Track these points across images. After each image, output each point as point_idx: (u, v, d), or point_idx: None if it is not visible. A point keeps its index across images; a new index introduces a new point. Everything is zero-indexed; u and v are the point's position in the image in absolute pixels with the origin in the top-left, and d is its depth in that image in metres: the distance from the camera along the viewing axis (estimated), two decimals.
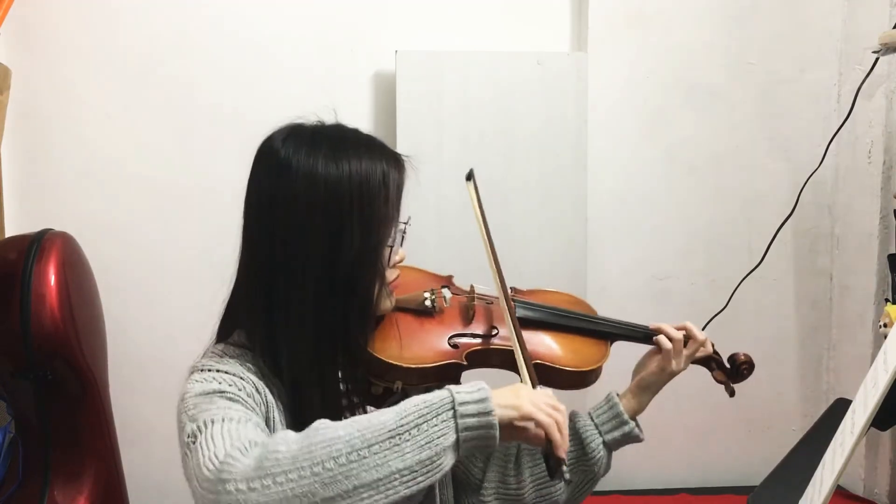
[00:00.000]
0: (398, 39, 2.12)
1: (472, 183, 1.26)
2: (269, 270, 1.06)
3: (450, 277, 1.32)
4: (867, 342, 2.15)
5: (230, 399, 0.98)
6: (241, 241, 1.11)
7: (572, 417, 1.30)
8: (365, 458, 0.86)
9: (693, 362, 1.33)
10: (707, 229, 2.26)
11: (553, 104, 2.12)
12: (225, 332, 1.14)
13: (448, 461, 0.91)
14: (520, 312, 1.26)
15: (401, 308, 1.19)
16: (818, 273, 2.31)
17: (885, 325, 1.72)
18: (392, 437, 0.88)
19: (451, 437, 0.90)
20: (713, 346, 1.35)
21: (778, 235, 2.19)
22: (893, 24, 2.02)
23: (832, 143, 2.17)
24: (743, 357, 1.36)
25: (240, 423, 0.93)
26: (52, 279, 1.76)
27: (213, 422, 0.93)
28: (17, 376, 1.74)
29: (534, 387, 1.05)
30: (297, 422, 1.06)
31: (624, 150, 2.22)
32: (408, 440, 0.88)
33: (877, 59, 2.00)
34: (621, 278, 2.24)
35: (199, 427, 0.93)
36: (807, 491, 1.07)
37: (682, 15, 2.19)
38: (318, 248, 1.05)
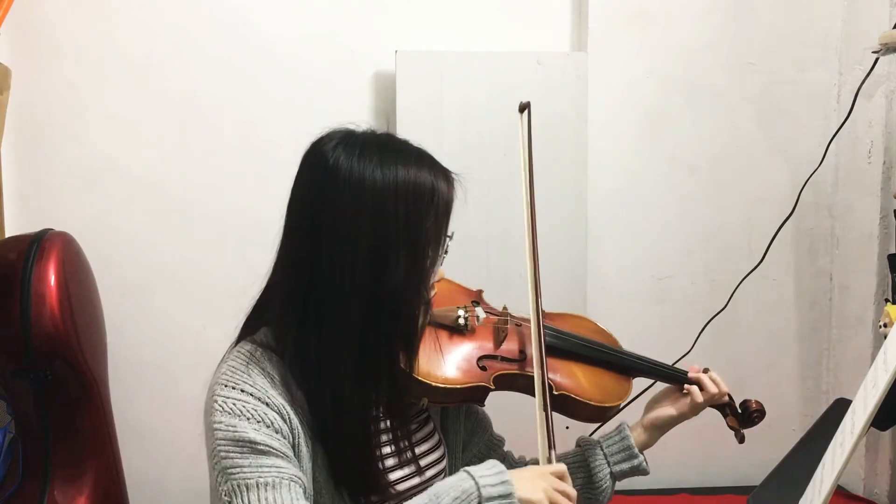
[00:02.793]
0: (398, 39, 2.12)
1: (526, 115, 1.26)
2: (308, 278, 1.04)
3: (480, 292, 1.31)
4: (867, 342, 2.15)
5: (261, 452, 0.99)
6: (280, 242, 1.09)
7: (581, 444, 1.31)
8: None
9: (709, 405, 1.33)
10: (707, 229, 2.26)
11: (553, 104, 2.12)
12: (251, 329, 1.12)
13: None
14: (548, 340, 1.24)
15: (433, 322, 1.18)
16: (818, 273, 2.31)
17: (885, 325, 1.71)
18: None
19: None
20: (729, 394, 1.36)
21: (778, 235, 2.19)
22: (893, 24, 2.02)
23: (832, 143, 2.17)
24: (755, 406, 1.36)
25: (274, 487, 0.97)
26: (52, 279, 1.76)
27: (247, 487, 0.98)
28: (17, 376, 1.74)
29: (549, 440, 1.07)
30: (322, 438, 1.06)
31: (624, 150, 2.22)
32: None
33: (877, 59, 2.00)
34: (621, 278, 2.24)
35: (233, 488, 0.98)
36: (807, 491, 1.07)
37: (682, 15, 2.19)
38: (362, 264, 1.02)
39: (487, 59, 2.10)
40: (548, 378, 1.14)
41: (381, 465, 1.10)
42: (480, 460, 1.29)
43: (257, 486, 0.97)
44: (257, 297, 1.13)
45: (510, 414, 1.31)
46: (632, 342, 2.16)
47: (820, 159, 2.17)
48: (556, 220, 2.13)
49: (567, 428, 1.47)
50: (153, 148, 2.10)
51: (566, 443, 1.31)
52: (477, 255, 2.06)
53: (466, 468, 1.02)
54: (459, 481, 0.99)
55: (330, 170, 1.03)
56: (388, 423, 1.15)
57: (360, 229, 1.02)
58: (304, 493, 1.00)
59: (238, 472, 0.98)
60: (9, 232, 1.99)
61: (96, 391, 1.86)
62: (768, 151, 2.26)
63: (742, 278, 2.19)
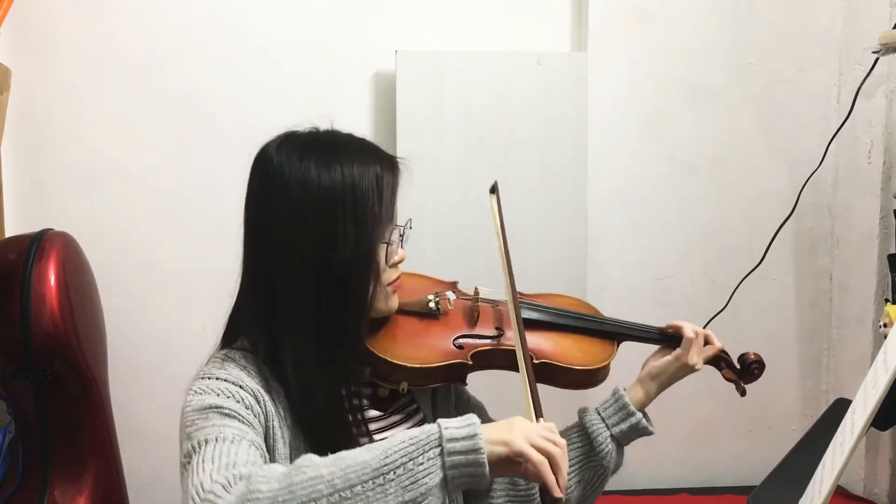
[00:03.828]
0: (398, 39, 2.12)
1: (495, 196, 1.26)
2: (268, 278, 1.07)
3: (454, 283, 1.32)
4: (867, 342, 2.15)
5: (225, 415, 0.98)
6: (242, 249, 1.12)
7: (580, 413, 1.30)
8: (347, 499, 0.85)
9: (705, 362, 1.33)
10: (707, 229, 2.26)
11: (553, 104, 2.12)
12: (229, 340, 1.14)
13: (435, 500, 0.88)
14: (526, 313, 1.26)
15: (405, 311, 1.20)
16: (818, 273, 2.31)
17: (885, 325, 1.72)
18: (376, 478, 0.86)
19: (438, 476, 0.88)
20: (724, 350, 1.36)
21: (778, 235, 2.19)
22: (893, 24, 2.02)
23: (832, 143, 2.17)
24: (753, 356, 1.36)
25: (233, 442, 0.94)
26: (52, 279, 1.76)
27: (206, 441, 0.94)
28: (17, 376, 1.74)
29: (535, 404, 1.03)
30: (303, 427, 1.06)
31: (624, 150, 2.22)
32: (392, 480, 0.86)
33: (877, 59, 2.00)
34: (621, 278, 2.24)
35: (192, 447, 0.95)
36: (807, 491, 1.07)
37: (682, 15, 2.19)
38: (312, 253, 1.05)
39: (487, 59, 2.10)
40: (528, 348, 1.13)
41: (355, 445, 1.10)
42: None
43: (216, 439, 0.94)
44: (229, 313, 1.15)
45: (503, 401, 1.30)
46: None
47: (820, 159, 2.17)
48: (556, 220, 2.14)
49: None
50: (153, 148, 2.10)
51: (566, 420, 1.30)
52: (477, 254, 2.06)
53: None
54: (424, 426, 0.94)
55: (274, 172, 1.07)
56: (374, 413, 1.15)
57: (308, 225, 1.05)
58: (263, 461, 0.97)
59: (199, 432, 0.96)
60: (9, 232, 1.99)
61: (96, 391, 1.86)
62: (768, 151, 2.26)
63: (742, 278, 2.19)
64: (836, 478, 0.96)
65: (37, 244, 1.79)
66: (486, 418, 1.33)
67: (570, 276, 2.15)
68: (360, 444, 1.06)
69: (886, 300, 2.01)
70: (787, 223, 2.20)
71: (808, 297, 2.31)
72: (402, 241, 1.14)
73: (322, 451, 0.98)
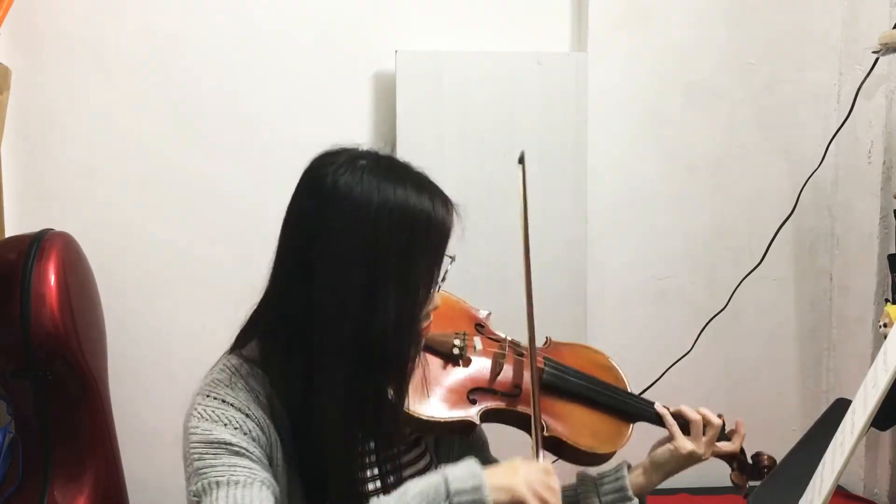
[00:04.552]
0: (398, 39, 2.12)
1: (521, 167, 1.22)
2: (299, 302, 1.02)
3: (487, 315, 1.27)
4: (867, 342, 2.15)
5: (235, 453, 0.98)
6: (274, 257, 1.07)
7: (578, 478, 1.29)
8: None
9: (717, 456, 1.30)
10: (707, 229, 2.26)
11: (553, 104, 2.12)
12: (243, 340, 1.11)
13: None
14: (547, 378, 1.21)
15: (427, 348, 1.14)
16: (818, 273, 2.31)
17: (885, 325, 1.71)
18: None
19: None
20: (743, 448, 1.33)
21: (778, 235, 2.19)
22: (893, 24, 2.02)
23: (832, 143, 2.17)
24: (767, 460, 1.33)
25: (245, 487, 0.95)
26: (52, 279, 1.76)
27: (217, 485, 0.95)
28: (17, 376, 1.74)
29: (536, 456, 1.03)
30: (303, 458, 1.04)
31: (624, 150, 2.22)
32: None
33: (877, 59, 2.00)
34: (621, 278, 2.24)
35: (203, 488, 0.96)
36: (807, 491, 1.07)
37: (682, 15, 2.19)
38: (355, 290, 1.00)
39: (487, 59, 2.10)
40: (541, 419, 1.10)
41: (364, 489, 1.08)
42: None
43: (227, 483, 0.95)
44: (254, 308, 1.11)
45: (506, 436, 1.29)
46: (632, 342, 2.17)
47: (820, 159, 2.17)
48: (556, 220, 2.13)
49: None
50: (153, 148, 2.10)
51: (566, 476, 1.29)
52: (476, 254, 2.06)
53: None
54: (429, 476, 0.96)
55: (328, 191, 1.01)
56: (373, 444, 1.12)
57: (354, 254, 0.99)
58: (275, 500, 0.97)
59: (210, 471, 0.97)
60: (9, 232, 1.99)
61: (96, 391, 1.86)
62: (768, 151, 2.26)
63: (742, 278, 2.19)
64: (836, 478, 0.96)
65: (37, 244, 1.79)
66: (487, 454, 1.31)
67: (570, 276, 2.15)
68: (357, 480, 1.06)
69: (886, 300, 2.01)
70: (787, 223, 2.20)
71: (808, 297, 2.31)
72: (440, 285, 1.09)
73: (318, 483, 1.00)
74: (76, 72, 2.07)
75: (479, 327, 1.25)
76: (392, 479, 1.10)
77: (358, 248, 0.99)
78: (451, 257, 1.08)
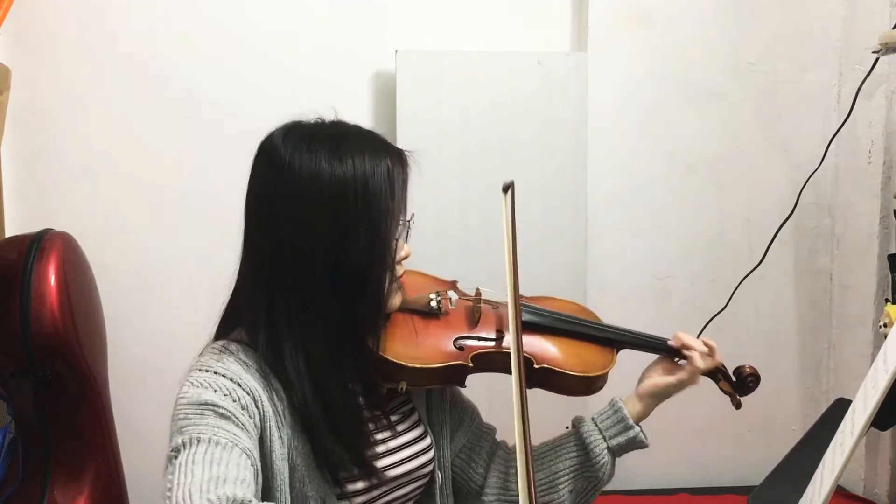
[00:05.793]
0: (398, 39, 2.12)
1: (508, 195, 1.24)
2: (272, 271, 1.06)
3: (454, 282, 1.31)
4: (867, 342, 2.15)
5: (221, 415, 0.97)
6: (242, 240, 1.10)
7: (575, 423, 1.30)
8: None
9: (703, 374, 1.32)
10: (707, 229, 2.26)
11: (553, 104, 2.12)
12: (224, 332, 1.13)
13: None
14: (526, 317, 1.25)
15: (406, 309, 1.19)
16: (818, 273, 2.31)
17: (885, 325, 1.72)
18: None
19: None
20: (722, 363, 1.35)
21: (778, 235, 2.19)
22: (893, 24, 2.02)
23: (832, 143, 2.17)
24: (748, 370, 1.35)
25: (225, 448, 0.93)
26: (52, 279, 1.76)
27: (198, 441, 0.93)
28: (17, 376, 1.74)
29: (523, 420, 1.01)
30: (307, 425, 1.05)
31: (624, 150, 2.22)
32: None
33: (877, 59, 2.00)
34: (621, 278, 2.24)
35: (183, 442, 0.94)
36: (807, 491, 1.07)
37: (682, 15, 2.19)
38: (323, 248, 1.04)
39: (487, 59, 2.10)
40: (526, 353, 1.13)
41: (370, 442, 1.10)
42: (469, 450, 1.29)
43: (209, 441, 0.93)
44: (226, 304, 1.13)
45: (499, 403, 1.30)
46: None
47: (820, 159, 2.17)
48: (555, 220, 2.14)
49: (567, 428, 1.48)
50: (153, 148, 2.10)
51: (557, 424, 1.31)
52: (477, 254, 2.06)
53: None
54: None
55: (283, 163, 1.05)
56: (371, 413, 1.15)
57: (319, 217, 1.03)
58: (254, 472, 0.96)
59: (193, 428, 0.95)
60: (9, 232, 1.99)
61: (96, 391, 1.86)
62: (768, 151, 2.26)
63: (742, 278, 2.19)
64: (836, 478, 0.96)
65: (37, 244, 1.79)
66: (478, 423, 1.34)
67: (570, 276, 2.15)
68: (364, 432, 1.07)
69: (886, 300, 2.01)
70: (787, 223, 2.20)
71: (808, 297, 2.31)
72: (406, 236, 1.14)
73: (325, 450, 0.98)
74: (76, 72, 2.07)
75: (450, 290, 1.29)
76: (392, 444, 1.14)
77: (323, 211, 1.04)
78: (408, 219, 1.12)
